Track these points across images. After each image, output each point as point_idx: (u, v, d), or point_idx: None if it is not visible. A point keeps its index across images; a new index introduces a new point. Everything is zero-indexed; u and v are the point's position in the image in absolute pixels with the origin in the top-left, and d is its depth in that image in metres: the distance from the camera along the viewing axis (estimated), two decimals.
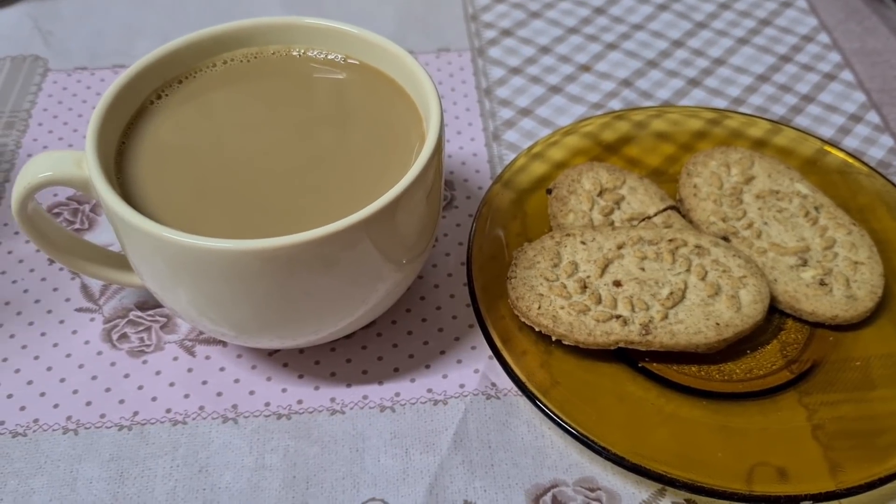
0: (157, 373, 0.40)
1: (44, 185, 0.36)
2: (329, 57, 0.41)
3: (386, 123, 0.39)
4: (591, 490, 0.36)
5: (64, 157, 0.36)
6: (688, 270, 0.40)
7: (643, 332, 0.38)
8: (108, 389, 0.40)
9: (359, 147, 0.37)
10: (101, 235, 0.46)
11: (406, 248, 0.37)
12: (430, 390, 0.40)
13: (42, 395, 0.39)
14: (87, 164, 0.35)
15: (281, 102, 0.40)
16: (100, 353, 0.41)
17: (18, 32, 0.59)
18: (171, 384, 0.40)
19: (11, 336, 0.42)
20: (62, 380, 0.40)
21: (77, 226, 0.47)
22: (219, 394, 0.39)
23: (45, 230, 0.39)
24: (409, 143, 0.38)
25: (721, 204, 0.44)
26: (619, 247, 0.41)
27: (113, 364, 0.41)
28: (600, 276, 0.40)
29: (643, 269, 0.40)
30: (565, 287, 0.39)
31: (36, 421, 0.39)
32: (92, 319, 0.42)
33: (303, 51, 0.41)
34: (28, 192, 0.36)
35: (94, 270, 0.41)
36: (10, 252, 0.45)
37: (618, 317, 0.38)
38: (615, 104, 0.54)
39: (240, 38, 0.41)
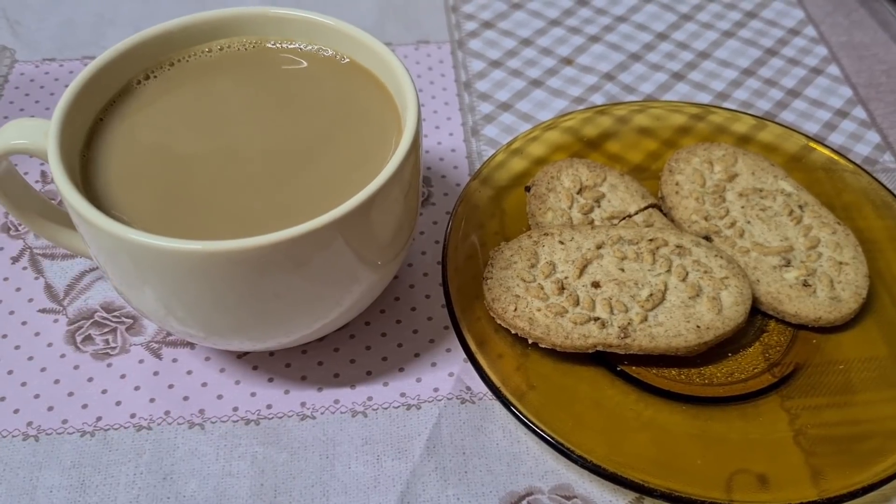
0: (122, 376, 0.39)
1: (12, 153, 0.35)
2: (306, 49, 0.40)
3: (363, 119, 0.37)
4: (567, 498, 0.35)
5: (37, 126, 0.35)
6: (668, 271, 0.39)
7: (622, 334, 0.37)
8: (70, 394, 0.38)
9: (334, 143, 0.36)
10: None
11: (382, 248, 0.35)
12: (403, 394, 0.38)
13: (2, 399, 0.38)
14: (48, 138, 0.33)
15: (259, 95, 0.38)
16: (63, 355, 0.40)
17: None
18: (137, 388, 0.39)
19: None
20: (23, 384, 0.39)
21: None
22: (185, 398, 0.38)
23: (17, 195, 0.38)
24: (386, 139, 0.36)
25: (703, 202, 0.43)
26: (599, 246, 0.39)
27: (76, 367, 0.39)
28: (578, 276, 0.39)
29: (623, 270, 0.39)
30: (542, 288, 0.38)
31: None
32: (56, 321, 0.41)
33: (279, 42, 0.40)
34: None
35: (67, 240, 0.39)
36: None
37: (596, 319, 0.37)
38: (597, 98, 0.53)
39: (206, 30, 0.39)
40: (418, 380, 0.39)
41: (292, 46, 0.40)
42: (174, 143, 0.36)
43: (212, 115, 0.37)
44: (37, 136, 0.34)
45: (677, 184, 0.44)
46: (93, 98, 0.36)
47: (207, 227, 0.33)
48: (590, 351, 0.37)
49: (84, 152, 0.35)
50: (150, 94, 0.38)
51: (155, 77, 0.38)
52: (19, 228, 0.45)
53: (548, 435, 0.34)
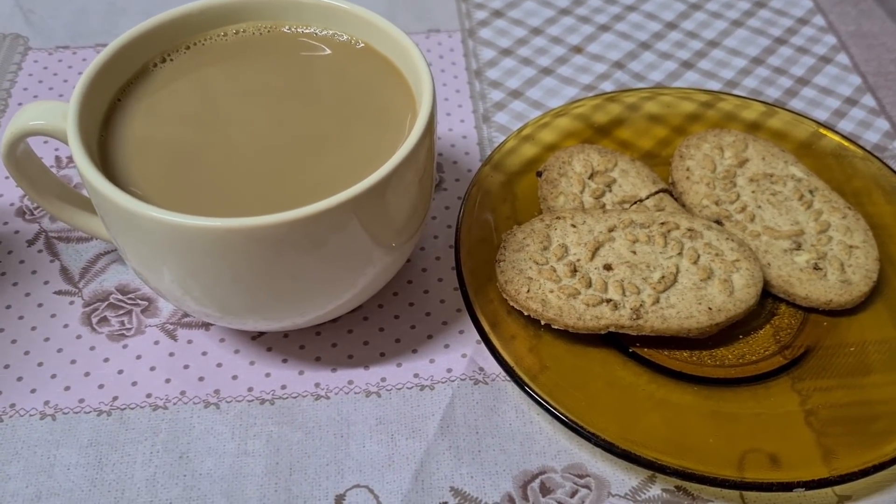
0: (138, 357, 0.39)
1: (30, 134, 0.35)
2: (323, 33, 0.40)
3: (378, 103, 0.38)
4: (580, 477, 0.35)
5: (55, 108, 0.35)
6: (680, 254, 0.39)
7: (634, 316, 0.37)
8: (87, 374, 0.39)
9: (349, 126, 0.37)
10: None
11: (396, 230, 0.36)
12: (416, 375, 0.39)
13: (19, 379, 0.39)
14: (67, 118, 0.34)
15: (274, 78, 0.39)
16: (79, 336, 0.40)
17: None
18: (152, 368, 0.39)
19: None
20: (40, 364, 0.39)
21: None
22: (200, 378, 0.39)
23: (35, 177, 0.38)
24: (401, 122, 0.37)
25: (714, 187, 0.43)
26: (610, 230, 0.40)
27: (92, 348, 0.40)
28: (591, 259, 0.39)
29: (634, 253, 0.39)
30: (555, 270, 0.38)
31: (13, 406, 0.38)
32: (71, 303, 0.41)
33: (294, 27, 0.40)
34: (12, 139, 0.35)
35: (84, 222, 0.40)
36: None
37: (608, 301, 0.37)
38: (607, 86, 0.53)
39: (222, 14, 0.40)
40: (431, 361, 0.39)
41: (308, 31, 0.40)
42: (190, 123, 0.36)
43: (228, 97, 0.38)
44: (55, 117, 0.35)
45: (688, 169, 0.44)
46: (110, 80, 0.37)
47: (224, 205, 0.33)
48: (602, 332, 0.37)
49: (102, 133, 0.36)
50: (167, 76, 0.38)
51: (171, 60, 0.38)
52: (35, 212, 0.45)
53: (561, 414, 0.35)
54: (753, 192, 0.43)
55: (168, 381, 0.39)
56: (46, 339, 0.40)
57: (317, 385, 0.38)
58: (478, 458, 0.36)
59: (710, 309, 0.37)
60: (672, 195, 0.44)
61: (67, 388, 0.38)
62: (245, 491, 0.35)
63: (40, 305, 0.41)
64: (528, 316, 0.38)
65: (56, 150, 0.49)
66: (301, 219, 0.31)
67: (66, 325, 0.40)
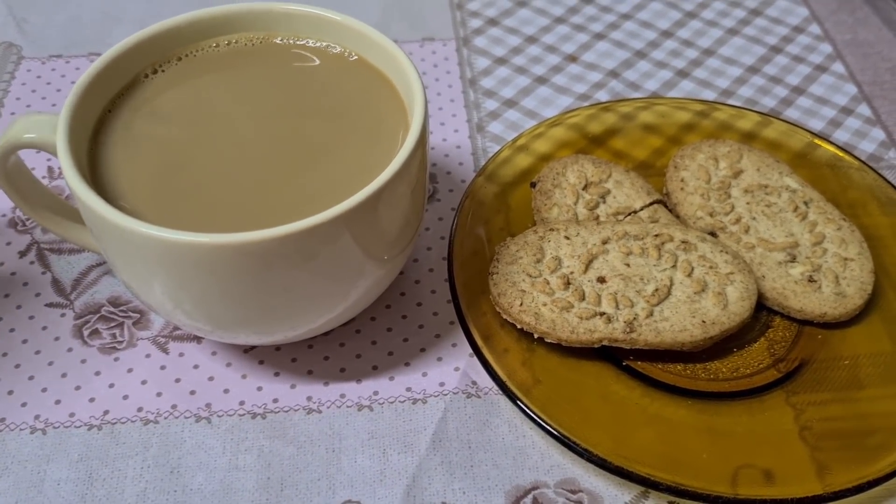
0: (129, 370, 0.39)
1: (21, 147, 0.35)
2: (315, 45, 0.40)
3: (370, 114, 0.38)
4: (573, 492, 0.35)
5: (46, 121, 0.35)
6: (674, 266, 0.39)
7: (627, 329, 0.37)
8: (78, 387, 0.38)
9: (341, 139, 0.37)
10: None
11: (388, 243, 0.36)
12: (409, 389, 0.39)
13: (10, 393, 0.38)
14: (57, 131, 0.34)
15: (266, 90, 0.39)
16: (70, 349, 0.40)
17: None
18: (144, 382, 0.39)
19: None
20: (31, 377, 0.39)
21: None
22: (192, 392, 0.38)
23: (26, 190, 0.38)
24: (393, 134, 0.37)
25: (709, 198, 0.43)
26: (604, 242, 0.40)
27: (83, 361, 0.39)
28: (584, 271, 0.39)
29: (628, 265, 0.39)
30: (548, 283, 0.38)
31: (3, 420, 0.37)
32: (63, 315, 0.41)
33: (286, 38, 0.40)
34: (3, 152, 0.35)
35: (75, 235, 0.40)
36: None
37: (601, 314, 0.37)
38: (602, 95, 0.53)
39: (214, 25, 0.40)
40: (424, 374, 0.39)
41: (300, 42, 0.40)
42: (181, 136, 0.36)
43: (219, 109, 0.38)
44: (45, 130, 0.35)
45: (682, 180, 0.44)
46: (101, 91, 0.37)
47: (214, 220, 0.33)
48: (595, 346, 0.37)
49: (92, 145, 0.35)
50: (158, 87, 0.38)
51: (163, 71, 0.38)
52: (27, 223, 0.45)
53: (554, 429, 0.34)
54: (748, 203, 0.42)
55: (159, 394, 0.38)
56: (37, 352, 0.40)
57: (309, 399, 0.38)
58: (470, 473, 0.36)
59: (704, 322, 0.37)
60: (666, 206, 0.44)
61: (58, 402, 0.38)
62: None
63: (31, 318, 0.41)
64: (522, 329, 0.38)
65: (48, 160, 0.48)
66: (292, 234, 0.31)
67: (57, 338, 0.40)
